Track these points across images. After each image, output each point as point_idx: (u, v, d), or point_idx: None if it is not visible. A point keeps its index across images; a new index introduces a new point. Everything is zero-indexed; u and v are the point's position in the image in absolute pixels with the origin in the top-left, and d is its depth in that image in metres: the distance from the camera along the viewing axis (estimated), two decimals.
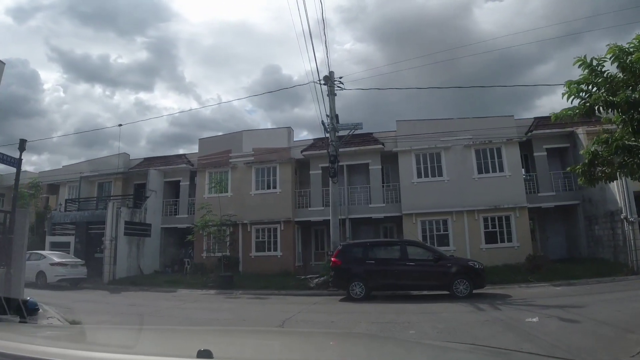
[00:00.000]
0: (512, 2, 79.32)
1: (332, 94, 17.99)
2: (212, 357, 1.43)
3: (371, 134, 23.66)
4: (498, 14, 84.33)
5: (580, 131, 20.52)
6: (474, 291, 12.74)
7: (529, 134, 21.56)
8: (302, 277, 18.77)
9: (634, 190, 16.18)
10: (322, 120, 17.05)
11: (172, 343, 2.26)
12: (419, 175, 21.54)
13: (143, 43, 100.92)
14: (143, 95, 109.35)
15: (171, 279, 21.15)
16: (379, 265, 13.38)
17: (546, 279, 15.71)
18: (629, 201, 15.95)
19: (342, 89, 18.42)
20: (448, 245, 20.48)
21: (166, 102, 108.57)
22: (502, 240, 20.34)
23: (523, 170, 22.22)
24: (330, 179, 17.53)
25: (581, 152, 9.67)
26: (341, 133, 18.18)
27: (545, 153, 21.59)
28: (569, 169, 9.94)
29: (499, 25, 73.23)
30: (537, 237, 22.53)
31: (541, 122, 22.43)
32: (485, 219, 20.58)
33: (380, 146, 22.33)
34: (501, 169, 20.93)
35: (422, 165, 21.61)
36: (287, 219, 22.52)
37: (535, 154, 21.67)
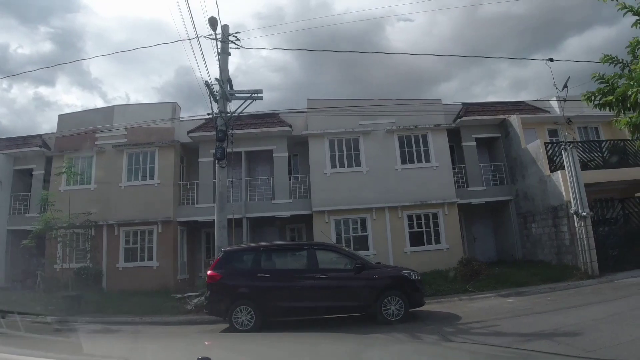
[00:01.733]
0: (421, 23, 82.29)
1: (224, 52, 13.62)
2: None
3: (277, 114, 19.55)
4: (408, 33, 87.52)
5: (514, 119, 18.16)
6: (411, 310, 9.16)
7: (458, 120, 18.80)
8: (180, 295, 14.05)
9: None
10: (207, 82, 12.58)
11: (171, 351, 2.24)
12: (334, 165, 17.82)
13: (47, 33, 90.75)
14: (43, 90, 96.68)
15: (10, 299, 15.29)
16: (276, 280, 9.31)
17: (488, 288, 12.75)
18: (579, 193, 13.43)
19: (238, 47, 14.12)
20: (367, 248, 17.00)
21: (69, 98, 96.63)
22: (430, 242, 17.25)
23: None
24: (217, 162, 13.08)
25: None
26: (237, 105, 13.84)
27: (474, 143, 19.01)
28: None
29: (410, 43, 75.76)
30: (464, 238, 19.83)
31: (470, 108, 19.88)
32: (410, 217, 17.37)
33: (287, 128, 18.27)
34: (427, 159, 17.90)
35: (337, 153, 17.93)
36: (166, 218, 17.61)
37: (463, 143, 18.98)
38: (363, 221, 17.32)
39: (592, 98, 7.45)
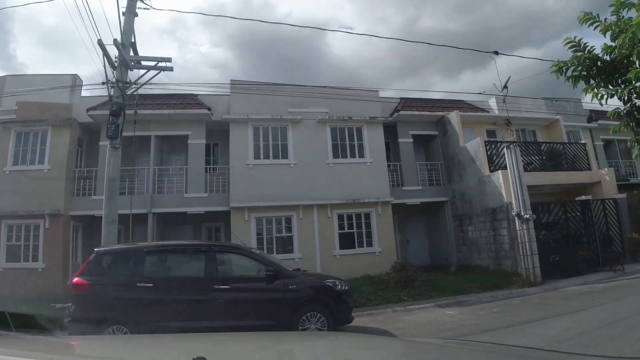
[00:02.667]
0: (361, 31, 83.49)
1: (130, 12, 11.19)
2: None
3: (196, 95, 17.18)
4: (349, 41, 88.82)
5: (453, 116, 17.11)
6: (338, 328, 7.35)
7: (395, 114, 17.45)
8: (59, 305, 11.34)
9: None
10: (100, 40, 10.05)
11: (166, 351, 2.23)
12: (257, 156, 15.76)
13: None
14: None
15: None
16: (162, 292, 7.06)
17: (425, 297, 11.40)
18: (522, 194, 12.40)
19: (148, 7, 11.70)
20: (292, 251, 15.11)
21: None
22: (361, 245, 15.71)
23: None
24: (109, 142, 10.60)
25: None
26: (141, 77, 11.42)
27: (411, 140, 17.78)
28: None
29: (350, 50, 76.35)
30: (397, 240, 18.51)
31: (408, 103, 18.63)
32: (341, 217, 15.73)
33: (205, 111, 15.95)
34: (362, 154, 16.38)
35: (261, 143, 15.90)
36: (55, 211, 14.67)
37: (400, 139, 17.67)
38: (288, 220, 15.42)
39: (564, 70, 6.07)
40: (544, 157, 15.65)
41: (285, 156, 15.89)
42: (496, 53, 13.93)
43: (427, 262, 18.50)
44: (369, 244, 15.69)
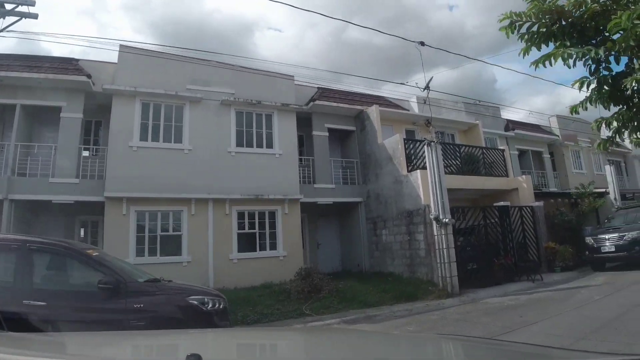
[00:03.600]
0: (290, 35, 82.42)
1: None
2: None
3: (77, 60, 14.29)
4: (277, 42, 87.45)
5: (372, 111, 15.83)
6: None
7: (311, 103, 15.78)
8: None
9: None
10: None
11: (160, 348, 2.22)
12: (144, 137, 13.23)
13: None
14: None
15: None
16: None
17: (331, 310, 9.87)
18: (442, 196, 11.23)
19: None
20: (180, 254, 12.80)
21: None
22: (264, 247, 13.81)
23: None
24: None
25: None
26: None
27: (326, 134, 16.21)
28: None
29: (277, 52, 75.00)
30: (307, 243, 16.89)
31: (326, 93, 17.09)
32: (241, 214, 13.72)
33: (84, 79, 13.08)
34: (270, 145, 14.50)
35: (151, 122, 13.39)
36: None
37: (314, 132, 16.04)
38: (178, 215, 13.09)
39: (517, 26, 4.68)
40: (461, 161, 14.87)
41: (178, 140, 13.52)
42: (422, 44, 12.88)
43: (338, 268, 17.10)
44: (273, 246, 13.83)
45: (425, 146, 11.82)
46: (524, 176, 16.26)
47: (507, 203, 14.09)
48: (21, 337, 2.73)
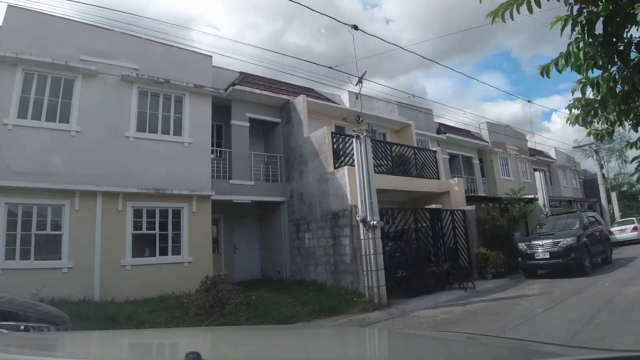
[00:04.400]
0: (228, 33, 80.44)
1: None
2: None
3: None
4: (214, 40, 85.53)
5: (299, 101, 14.45)
6: None
7: (231, 88, 14.08)
8: None
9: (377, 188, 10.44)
10: None
11: (159, 346, 2.19)
12: (23, 114, 10.82)
13: None
14: None
15: None
16: None
17: (237, 326, 8.09)
18: (370, 195, 9.98)
19: None
20: (59, 257, 10.62)
21: None
22: (165, 252, 11.89)
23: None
24: None
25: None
26: None
27: (247, 124, 14.55)
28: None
29: (214, 48, 73.18)
30: (222, 247, 15.14)
31: (249, 78, 15.50)
32: (139, 212, 11.73)
33: None
34: (178, 132, 12.63)
35: (33, 96, 11.06)
36: None
37: (233, 122, 14.33)
38: (58, 211, 10.86)
39: None
40: (392, 161, 13.87)
41: (65, 119, 11.25)
42: (355, 28, 11.71)
43: (257, 275, 15.53)
44: (176, 251, 11.94)
45: (354, 140, 10.55)
46: (455, 179, 15.60)
47: (440, 206, 13.24)
48: (20, 337, 2.91)
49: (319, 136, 13.01)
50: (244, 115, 14.51)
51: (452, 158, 22.94)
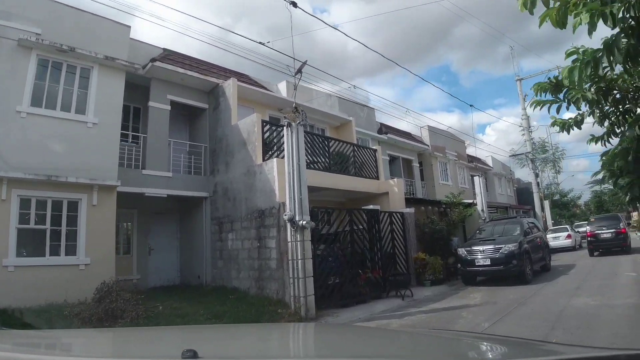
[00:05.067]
0: (174, 26, 77.68)
1: None
2: (197, 358, 1.36)
3: None
4: (158, 32, 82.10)
5: (229, 85, 13.04)
6: None
7: (149, 65, 12.39)
8: None
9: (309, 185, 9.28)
10: None
11: (155, 344, 2.19)
12: None
13: None
14: None
15: None
16: None
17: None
18: (300, 192, 8.77)
19: None
20: None
21: None
22: (57, 252, 10.06)
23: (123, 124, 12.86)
24: None
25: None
26: None
27: (168, 107, 12.93)
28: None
29: (157, 41, 69.76)
30: (135, 248, 13.38)
31: (173, 56, 13.87)
32: (26, 202, 9.84)
33: None
34: (82, 110, 10.81)
35: None
36: None
37: (152, 103, 12.67)
38: None
39: None
40: (329, 158, 12.80)
41: None
42: (294, 5, 10.62)
43: (176, 280, 13.93)
44: (72, 250, 10.12)
45: (285, 128, 9.31)
46: (395, 179, 14.76)
47: (378, 207, 12.29)
48: (19, 335, 2.95)
49: (248, 124, 11.65)
50: (164, 97, 12.88)
51: (393, 160, 22.33)
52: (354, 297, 10.21)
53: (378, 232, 11.78)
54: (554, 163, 39.71)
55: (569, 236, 24.32)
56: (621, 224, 19.10)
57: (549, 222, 30.32)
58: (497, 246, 12.08)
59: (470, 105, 27.96)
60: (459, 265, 12.87)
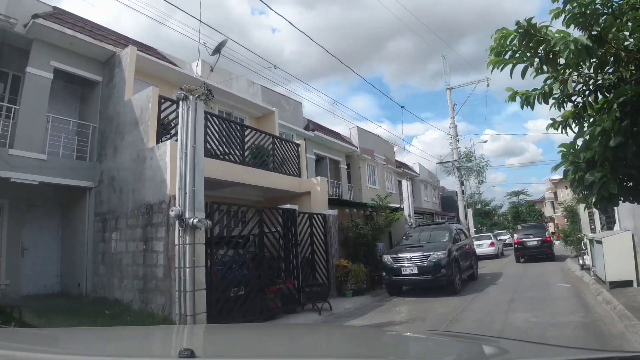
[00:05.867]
0: (105, 11, 72.48)
1: None
2: (194, 357, 1.30)
3: None
4: (89, 15, 76.33)
5: (127, 54, 10.98)
6: None
7: (31, 21, 9.97)
8: None
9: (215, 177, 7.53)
10: None
11: (153, 343, 2.16)
12: None
13: None
14: None
15: None
16: None
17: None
18: (194, 183, 6.95)
19: None
20: None
21: None
22: None
23: None
24: None
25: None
26: None
27: (51, 75, 10.54)
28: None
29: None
30: (3, 246, 10.81)
31: (64, 16, 11.51)
32: None
33: None
34: None
35: None
36: None
37: (30, 69, 10.25)
38: None
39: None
40: (243, 149, 11.09)
41: None
42: None
43: (55, 287, 11.51)
44: None
45: (181, 102, 7.46)
46: (318, 178, 13.27)
47: (295, 207, 10.70)
48: (16, 333, 2.79)
49: (143, 100, 9.59)
50: (47, 63, 10.48)
51: (320, 160, 20.96)
52: (261, 312, 8.55)
53: (295, 235, 10.18)
54: (478, 173, 40.71)
55: (492, 244, 24.46)
56: (546, 233, 19.82)
57: (472, 229, 30.53)
58: (425, 253, 10.94)
59: (402, 107, 27.52)
60: (384, 273, 11.60)
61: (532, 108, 4.33)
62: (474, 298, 10.20)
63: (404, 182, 18.68)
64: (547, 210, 56.38)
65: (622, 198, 4.43)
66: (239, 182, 10.61)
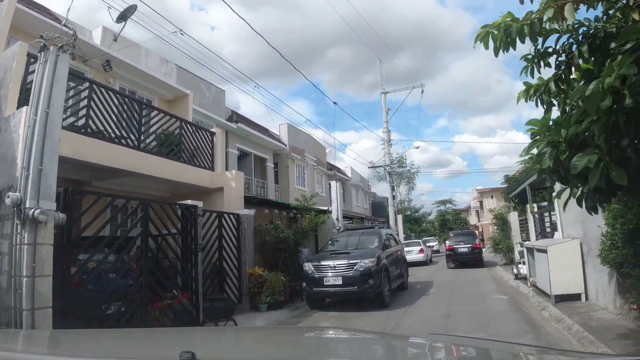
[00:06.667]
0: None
1: None
2: None
3: None
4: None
5: (3, 6, 8.92)
6: None
7: None
8: None
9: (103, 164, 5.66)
10: None
11: (154, 346, 2.10)
12: None
13: None
14: None
15: None
16: None
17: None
18: (41, 162, 5.10)
19: None
20: None
21: None
22: None
23: None
24: None
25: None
26: None
27: None
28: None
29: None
30: None
31: None
32: None
33: None
34: None
35: None
36: None
37: None
38: None
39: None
40: (139, 132, 9.24)
41: None
42: None
43: None
44: None
45: (39, 53, 5.58)
46: (233, 171, 11.60)
47: (198, 203, 8.94)
48: (17, 334, 2.93)
49: (8, 58, 7.46)
50: None
51: (244, 156, 19.20)
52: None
53: (195, 238, 8.42)
54: (409, 179, 40.87)
55: (421, 250, 24.14)
56: (476, 240, 20.48)
57: (402, 235, 30.11)
58: (351, 261, 9.59)
59: (334, 103, 26.62)
60: (304, 284, 10.14)
61: (514, 47, 3.04)
62: (405, 312, 9.00)
63: (333, 183, 17.42)
64: (472, 219, 58.26)
65: (620, 192, 3.30)
66: (134, 172, 8.76)
